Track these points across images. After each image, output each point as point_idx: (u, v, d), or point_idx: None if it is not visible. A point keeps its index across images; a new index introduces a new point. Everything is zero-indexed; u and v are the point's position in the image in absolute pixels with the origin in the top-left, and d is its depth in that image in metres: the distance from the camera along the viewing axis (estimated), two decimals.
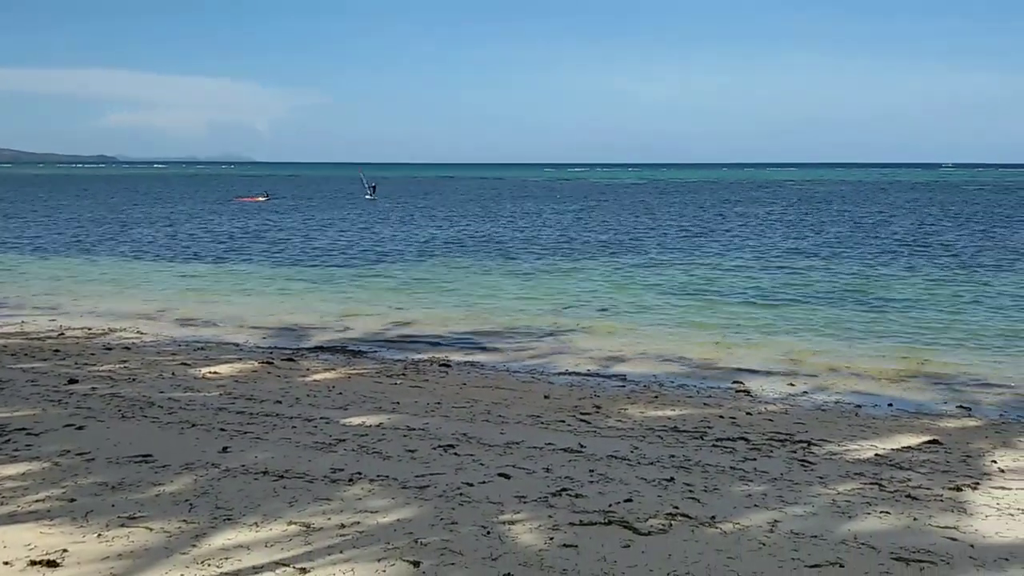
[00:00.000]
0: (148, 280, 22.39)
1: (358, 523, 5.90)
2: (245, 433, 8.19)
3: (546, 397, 10.34)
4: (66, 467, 7.04)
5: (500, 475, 7.03)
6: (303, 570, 5.17)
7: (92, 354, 12.46)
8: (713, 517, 6.13)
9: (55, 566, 5.17)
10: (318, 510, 6.15)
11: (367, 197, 64.88)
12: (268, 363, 12.03)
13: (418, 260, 26.72)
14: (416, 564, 5.27)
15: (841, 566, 5.37)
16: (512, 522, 5.96)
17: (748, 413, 9.72)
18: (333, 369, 11.79)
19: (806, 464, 7.63)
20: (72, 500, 6.26)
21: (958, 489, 6.96)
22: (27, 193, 79.12)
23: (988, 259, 25.76)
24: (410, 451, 7.71)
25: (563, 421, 9.05)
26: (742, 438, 8.50)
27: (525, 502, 6.38)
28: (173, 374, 11.11)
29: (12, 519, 5.88)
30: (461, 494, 6.53)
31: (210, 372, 11.26)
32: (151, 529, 5.73)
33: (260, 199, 63.76)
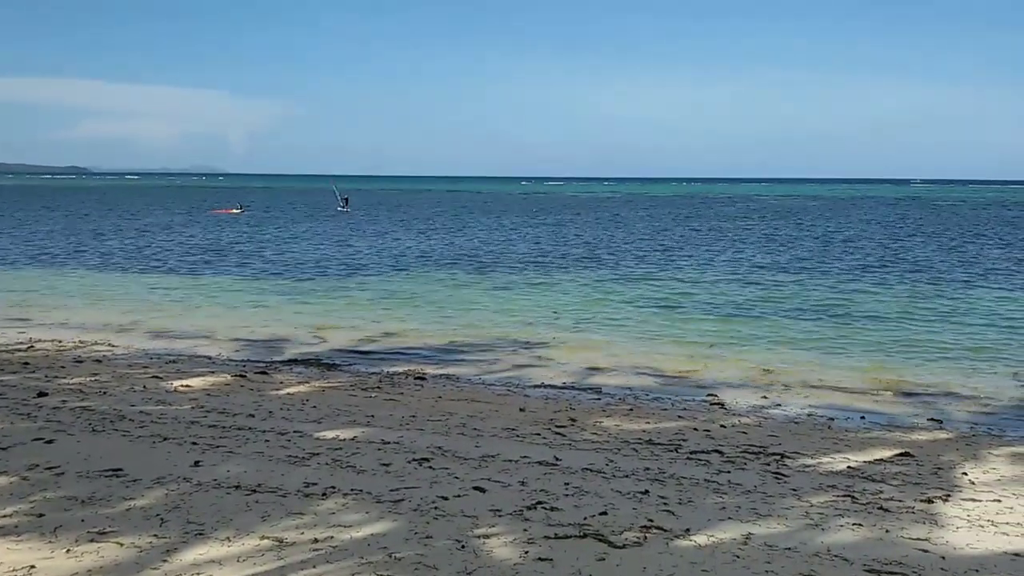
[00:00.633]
0: (120, 292, 22.15)
1: (332, 538, 5.85)
2: (217, 447, 8.11)
3: (521, 410, 10.33)
4: (35, 481, 6.93)
5: (475, 489, 7.01)
6: None
7: (62, 367, 12.31)
8: (687, 530, 6.14)
9: None
10: (291, 525, 6.09)
11: (339, 209, 65.01)
12: (241, 376, 11.93)
13: (393, 273, 26.66)
14: None
15: None
16: (487, 536, 5.94)
17: (722, 426, 9.76)
18: (307, 382, 11.72)
19: (780, 477, 7.67)
20: (40, 515, 6.16)
21: (929, 501, 7.02)
22: None
23: (959, 275, 26.10)
24: (384, 465, 7.67)
25: (538, 434, 9.04)
26: (716, 451, 8.53)
27: (500, 516, 6.36)
28: (144, 387, 10.99)
29: None
30: (436, 508, 6.50)
31: (182, 385, 11.15)
32: (121, 544, 5.65)
33: (235, 211, 63.34)
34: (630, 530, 6.10)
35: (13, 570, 5.22)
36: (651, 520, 6.33)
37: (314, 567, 5.38)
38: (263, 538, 5.81)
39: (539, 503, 6.66)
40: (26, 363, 12.49)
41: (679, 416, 10.29)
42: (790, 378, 12.72)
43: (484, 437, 8.83)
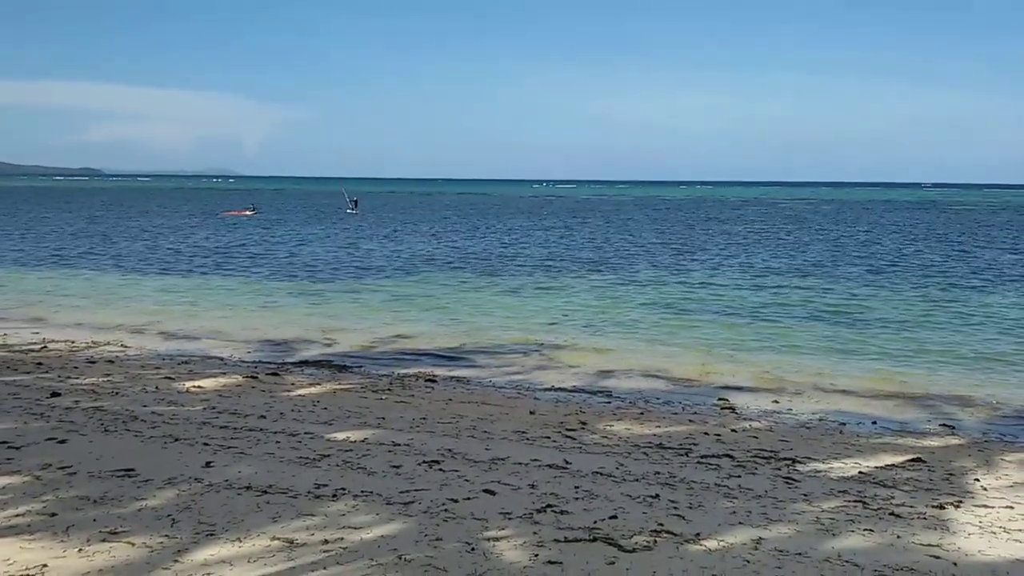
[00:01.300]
0: (132, 293, 22.27)
1: (342, 539, 5.87)
2: (229, 448, 8.14)
3: (532, 413, 10.33)
4: (47, 481, 6.97)
5: (485, 491, 7.01)
6: None
7: (75, 367, 12.37)
8: (698, 534, 6.13)
9: None
10: (301, 526, 6.11)
11: (349, 211, 65.56)
12: (252, 377, 11.97)
13: (403, 275, 26.70)
14: None
15: None
16: (497, 539, 5.94)
17: (733, 430, 9.74)
18: (318, 384, 11.75)
19: (790, 481, 7.65)
20: (53, 515, 6.19)
21: (941, 507, 6.99)
22: (11, 206, 78.62)
23: (972, 280, 25.96)
24: (395, 467, 7.68)
25: (548, 437, 9.04)
26: (727, 455, 8.51)
27: (510, 518, 6.36)
28: (156, 388, 11.04)
29: None
30: (446, 510, 6.50)
31: (194, 386, 11.20)
32: (133, 544, 5.68)
33: (247, 213, 63.60)
34: (640, 534, 6.09)
35: (26, 569, 5.25)
36: (661, 524, 6.32)
37: (324, 568, 5.39)
38: (273, 539, 5.83)
39: (549, 506, 6.66)
40: (39, 363, 12.57)
41: (690, 420, 10.27)
42: (801, 382, 12.68)
43: (494, 440, 8.83)
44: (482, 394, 11.58)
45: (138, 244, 37.59)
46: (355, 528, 6.07)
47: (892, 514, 6.76)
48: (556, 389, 12.14)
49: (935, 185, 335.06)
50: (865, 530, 6.35)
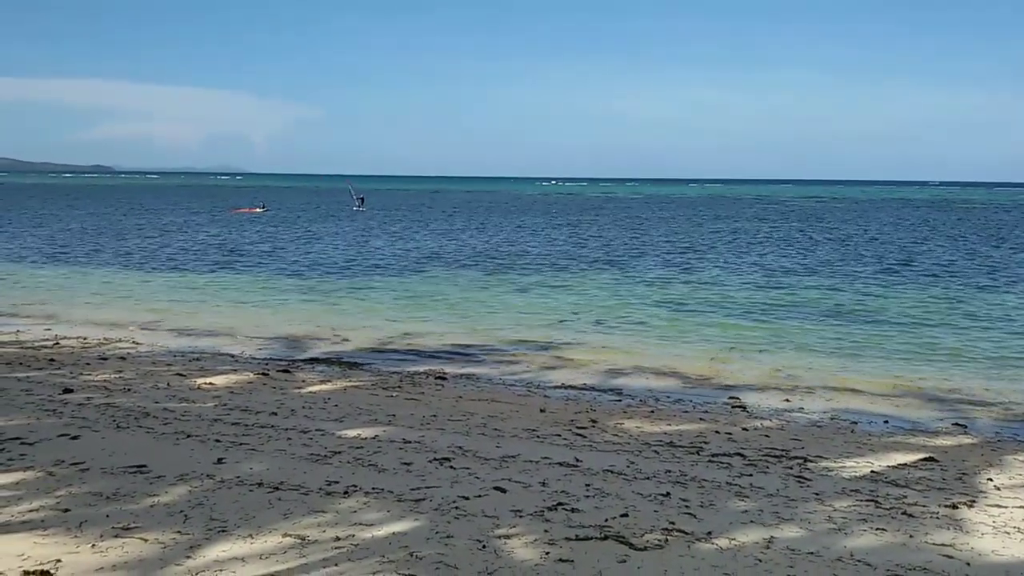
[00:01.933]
0: (144, 290, 22.36)
1: (353, 536, 5.88)
2: (240, 444, 8.17)
3: (542, 411, 10.33)
4: (60, 477, 7.00)
5: (496, 489, 7.02)
6: None
7: (87, 364, 12.43)
8: (709, 533, 6.12)
9: None
10: (313, 522, 6.12)
11: (355, 208, 66.02)
12: (264, 374, 12.00)
13: (413, 273, 26.72)
14: None
15: None
16: (508, 536, 5.94)
17: (744, 429, 9.72)
18: (329, 381, 11.77)
19: (802, 480, 7.62)
20: (66, 510, 6.22)
21: (954, 507, 6.96)
22: (22, 203, 78.99)
23: (984, 280, 25.83)
24: (406, 464, 7.69)
25: (559, 435, 9.03)
26: (738, 454, 8.49)
27: (521, 516, 6.36)
28: (168, 384, 11.08)
29: (6, 528, 5.85)
30: (456, 508, 6.51)
31: (206, 383, 11.23)
32: (145, 540, 5.70)
33: (257, 210, 63.92)
34: (651, 532, 6.08)
35: (40, 563, 5.28)
36: (672, 523, 6.31)
37: (335, 565, 5.40)
38: (285, 535, 5.84)
39: (560, 504, 6.66)
40: (52, 360, 12.62)
41: (700, 418, 10.25)
42: (813, 381, 12.63)
43: (505, 437, 8.83)
44: (492, 392, 11.58)
45: (149, 241, 37.73)
46: (366, 525, 6.08)
47: (905, 513, 6.73)
48: (566, 387, 12.13)
49: (942, 184, 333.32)
50: (877, 529, 6.33)
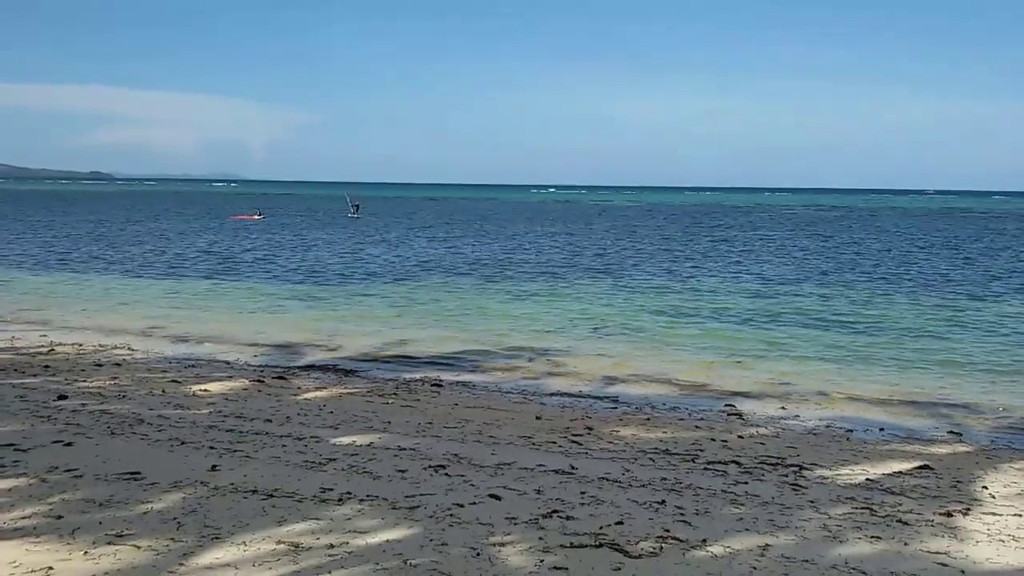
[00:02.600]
0: (140, 297, 22.33)
1: (347, 543, 5.86)
2: (235, 451, 8.15)
3: (538, 418, 10.32)
4: (53, 483, 6.98)
5: (491, 496, 7.00)
6: None
7: (82, 370, 12.40)
8: (704, 540, 6.11)
9: None
10: (307, 530, 6.10)
11: (350, 215, 66.68)
12: (259, 381, 11.98)
13: (409, 280, 26.72)
14: None
15: None
16: (502, 544, 5.92)
17: (740, 436, 9.71)
18: (324, 388, 11.75)
19: (797, 488, 7.62)
20: (59, 517, 6.20)
21: (949, 515, 6.96)
22: (19, 209, 78.91)
23: (979, 288, 25.88)
24: (400, 471, 7.67)
25: (554, 442, 9.02)
26: (734, 461, 8.49)
27: (515, 524, 6.35)
28: (163, 391, 11.06)
29: None
30: (451, 515, 6.49)
31: (200, 390, 11.21)
32: (138, 547, 5.68)
33: (254, 217, 64.33)
34: (646, 540, 6.07)
35: (32, 571, 5.25)
36: (667, 530, 6.30)
37: (329, 572, 5.38)
38: (279, 543, 5.83)
39: (555, 512, 6.64)
40: (47, 366, 12.60)
41: (696, 426, 10.24)
42: (808, 389, 12.64)
43: (500, 445, 8.82)
44: (488, 399, 11.57)
45: (145, 248, 37.69)
46: (360, 532, 6.06)
47: (900, 521, 6.73)
48: (562, 394, 12.12)
49: (938, 192, 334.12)
50: (872, 537, 6.32)
